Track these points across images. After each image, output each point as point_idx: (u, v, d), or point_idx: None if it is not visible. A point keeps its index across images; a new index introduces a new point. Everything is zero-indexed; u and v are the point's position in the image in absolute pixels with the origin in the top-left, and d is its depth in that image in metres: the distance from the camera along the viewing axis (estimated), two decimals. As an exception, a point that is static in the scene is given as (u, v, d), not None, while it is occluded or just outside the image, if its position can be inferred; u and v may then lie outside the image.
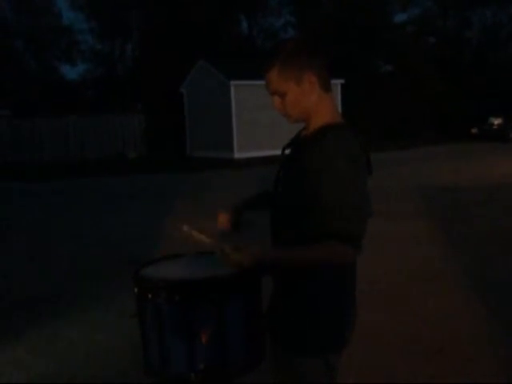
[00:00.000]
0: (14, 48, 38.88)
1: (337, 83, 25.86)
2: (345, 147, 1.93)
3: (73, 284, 6.57)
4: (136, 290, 1.96)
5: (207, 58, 27.22)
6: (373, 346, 4.36)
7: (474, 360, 4.13)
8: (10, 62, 37.06)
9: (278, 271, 2.05)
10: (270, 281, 2.10)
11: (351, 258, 1.95)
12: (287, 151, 2.18)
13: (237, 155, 24.84)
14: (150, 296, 1.89)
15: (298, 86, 2.01)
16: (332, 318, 2.02)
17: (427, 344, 4.45)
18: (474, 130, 30.16)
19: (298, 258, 1.93)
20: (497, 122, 29.67)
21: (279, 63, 2.00)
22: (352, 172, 1.90)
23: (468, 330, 4.72)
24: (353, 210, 1.88)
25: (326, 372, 2.03)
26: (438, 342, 4.49)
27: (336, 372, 2.07)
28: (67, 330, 5.07)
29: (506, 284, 5.92)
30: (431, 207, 10.78)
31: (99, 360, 4.41)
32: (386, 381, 3.85)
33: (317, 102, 2.04)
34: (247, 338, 1.95)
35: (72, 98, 36.51)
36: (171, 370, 1.90)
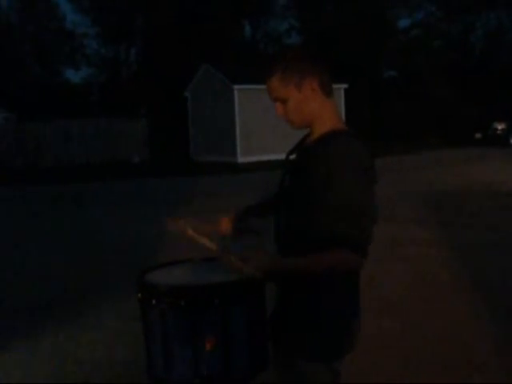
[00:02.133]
0: (18, 52, 38.98)
1: (340, 88, 25.89)
2: (352, 154, 1.93)
3: (74, 287, 6.56)
4: (139, 295, 1.95)
5: (211, 62, 27.28)
6: (375, 351, 4.35)
7: (477, 366, 4.12)
8: (15, 66, 37.19)
9: (284, 279, 2.04)
10: (274, 286, 2.09)
11: (360, 265, 1.94)
12: (292, 157, 2.17)
13: (240, 159, 24.86)
14: (154, 301, 1.88)
15: (299, 92, 2.01)
16: (336, 324, 2.01)
17: (428, 349, 4.43)
18: (477, 135, 30.15)
19: (306, 266, 1.92)
20: (500, 127, 29.68)
21: (280, 70, 2.01)
22: (359, 179, 1.90)
23: (471, 336, 4.69)
24: (360, 217, 1.88)
25: (330, 377, 2.03)
26: (440, 347, 4.48)
27: (339, 376, 2.06)
28: (68, 332, 5.07)
29: (506, 288, 5.92)
30: (434, 212, 10.76)
31: (100, 363, 4.40)
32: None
33: (319, 107, 2.05)
34: (251, 343, 1.94)
35: (76, 102, 36.60)
36: (175, 376, 1.89)
